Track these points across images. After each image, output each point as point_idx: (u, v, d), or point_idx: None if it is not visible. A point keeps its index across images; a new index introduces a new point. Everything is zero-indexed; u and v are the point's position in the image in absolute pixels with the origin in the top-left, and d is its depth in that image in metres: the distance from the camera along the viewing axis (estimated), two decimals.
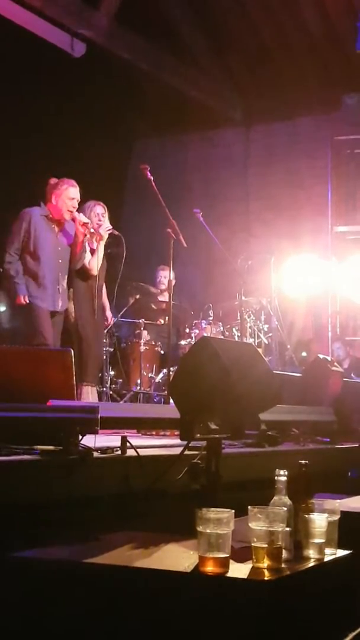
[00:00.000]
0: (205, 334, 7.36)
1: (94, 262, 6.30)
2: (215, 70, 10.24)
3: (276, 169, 10.44)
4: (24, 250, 6.01)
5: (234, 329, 7.89)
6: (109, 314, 6.88)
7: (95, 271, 6.29)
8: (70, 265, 6.21)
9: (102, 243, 6.39)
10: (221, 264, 7.78)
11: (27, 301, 5.95)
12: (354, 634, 2.43)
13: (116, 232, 6.46)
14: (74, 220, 6.20)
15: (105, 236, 6.40)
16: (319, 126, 10.21)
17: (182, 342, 7.65)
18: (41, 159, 6.58)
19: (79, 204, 6.21)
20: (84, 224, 6.19)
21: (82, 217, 6.21)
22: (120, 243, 6.48)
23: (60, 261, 6.12)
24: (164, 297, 7.54)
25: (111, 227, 6.43)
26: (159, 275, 8.14)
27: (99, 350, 6.55)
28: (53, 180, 6.17)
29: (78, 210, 6.22)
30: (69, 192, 6.10)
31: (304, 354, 9.28)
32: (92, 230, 6.28)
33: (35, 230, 6.01)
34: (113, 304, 6.97)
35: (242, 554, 2.24)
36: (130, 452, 3.23)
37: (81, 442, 3.07)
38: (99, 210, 6.43)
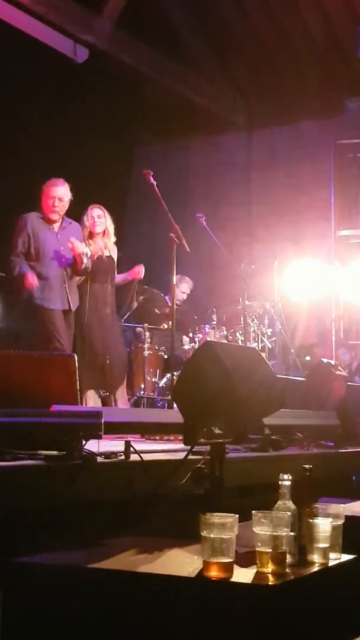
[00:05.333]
0: (208, 339, 7.37)
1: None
2: (217, 75, 10.25)
3: (279, 173, 10.43)
4: (27, 255, 6.02)
5: (237, 333, 7.88)
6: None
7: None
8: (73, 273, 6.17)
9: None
10: (224, 268, 7.78)
11: (37, 283, 5.84)
12: (358, 639, 2.43)
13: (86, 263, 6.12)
14: (72, 247, 5.98)
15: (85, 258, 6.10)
16: (321, 130, 10.20)
17: (186, 347, 7.65)
18: (43, 164, 6.59)
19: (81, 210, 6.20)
20: (79, 254, 6.02)
21: (79, 247, 6.00)
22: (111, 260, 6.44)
23: (63, 260, 6.11)
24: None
25: (85, 252, 6.09)
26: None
27: (116, 355, 6.45)
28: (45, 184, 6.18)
29: (79, 216, 6.21)
30: (50, 191, 6.07)
31: (307, 358, 9.27)
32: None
33: (33, 233, 6.03)
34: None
35: (246, 558, 2.24)
36: (134, 457, 3.22)
37: (85, 447, 3.06)
38: (95, 213, 6.43)
